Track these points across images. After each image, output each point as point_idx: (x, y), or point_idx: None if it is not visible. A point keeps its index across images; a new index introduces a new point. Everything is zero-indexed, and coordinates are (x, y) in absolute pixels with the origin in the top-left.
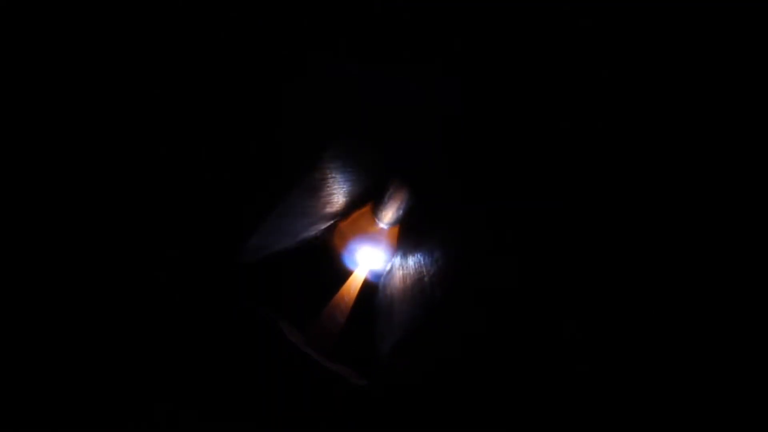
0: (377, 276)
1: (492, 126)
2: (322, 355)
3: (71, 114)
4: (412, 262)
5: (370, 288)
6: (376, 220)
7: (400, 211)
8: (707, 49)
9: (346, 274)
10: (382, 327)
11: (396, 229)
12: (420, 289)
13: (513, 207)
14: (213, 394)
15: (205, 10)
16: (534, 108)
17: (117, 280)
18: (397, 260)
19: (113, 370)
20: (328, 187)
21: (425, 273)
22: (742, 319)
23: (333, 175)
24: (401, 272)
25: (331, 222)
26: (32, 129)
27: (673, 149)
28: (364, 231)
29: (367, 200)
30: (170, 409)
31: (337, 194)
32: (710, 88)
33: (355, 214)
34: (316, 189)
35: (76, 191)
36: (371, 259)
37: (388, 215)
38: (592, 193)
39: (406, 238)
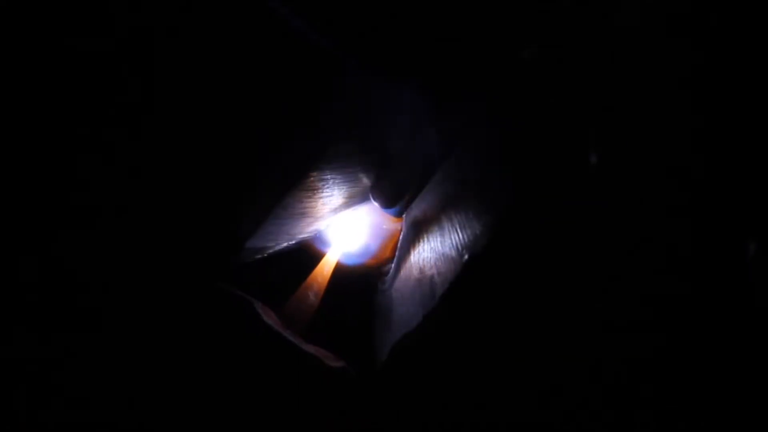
0: (351, 257)
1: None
2: (298, 336)
3: (72, 113)
4: (413, 260)
5: (344, 269)
6: (377, 217)
7: (402, 208)
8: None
9: (341, 267)
10: (381, 326)
11: (397, 227)
12: (420, 288)
13: (517, 208)
14: (190, 379)
15: (206, 10)
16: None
17: (112, 279)
18: (398, 258)
19: (98, 363)
20: (328, 187)
21: (425, 273)
22: None
23: (333, 175)
24: (402, 271)
25: (331, 221)
26: (31, 128)
27: None
28: (364, 228)
29: (367, 198)
30: (148, 398)
31: (338, 194)
32: None
33: (355, 212)
34: (316, 189)
35: (73, 190)
36: (345, 239)
37: (390, 212)
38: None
39: (407, 236)
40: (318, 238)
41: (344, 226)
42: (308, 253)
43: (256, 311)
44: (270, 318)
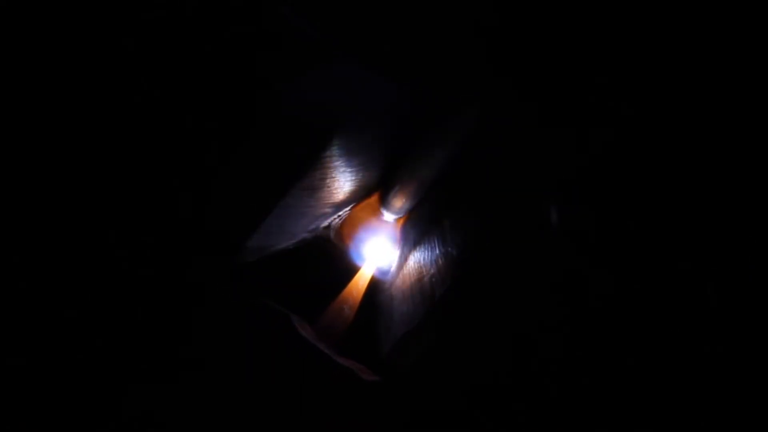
0: (384, 272)
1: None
2: (333, 349)
3: (76, 113)
4: (413, 260)
5: (377, 283)
6: (382, 214)
7: (406, 205)
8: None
9: (352, 268)
10: (383, 325)
11: (401, 223)
12: (420, 288)
13: (512, 209)
14: (226, 388)
15: (208, 10)
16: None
17: (122, 281)
18: (399, 257)
19: (124, 369)
20: (329, 186)
21: (425, 272)
22: None
23: (334, 174)
24: (402, 271)
25: (336, 217)
26: (33, 128)
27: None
28: (370, 225)
29: (370, 194)
30: (184, 404)
31: (339, 192)
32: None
33: (360, 209)
34: (318, 188)
35: (81, 192)
36: (378, 254)
37: (394, 209)
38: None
39: (408, 233)
40: (322, 237)
41: (376, 241)
42: (310, 253)
43: (293, 324)
44: (305, 331)
